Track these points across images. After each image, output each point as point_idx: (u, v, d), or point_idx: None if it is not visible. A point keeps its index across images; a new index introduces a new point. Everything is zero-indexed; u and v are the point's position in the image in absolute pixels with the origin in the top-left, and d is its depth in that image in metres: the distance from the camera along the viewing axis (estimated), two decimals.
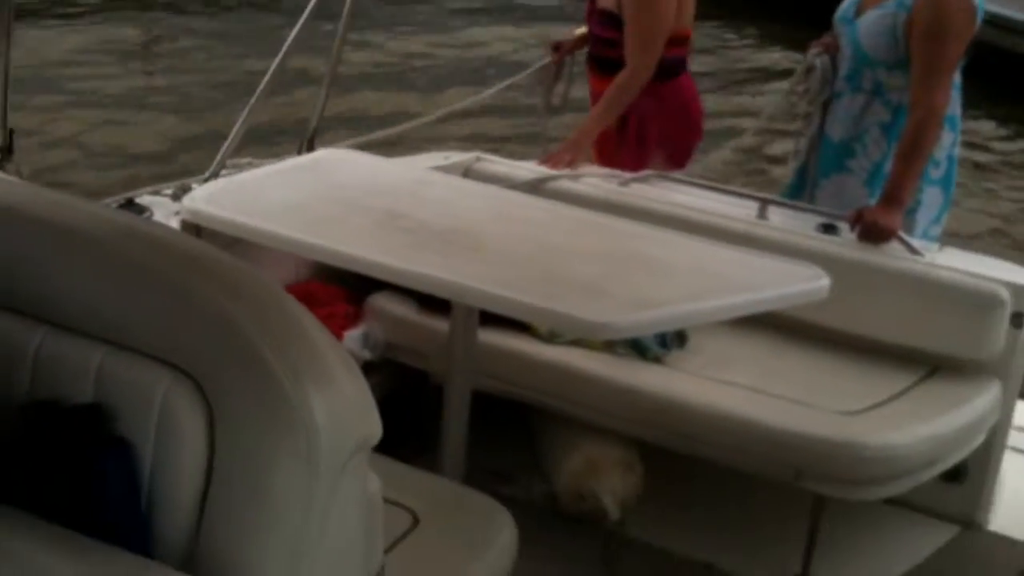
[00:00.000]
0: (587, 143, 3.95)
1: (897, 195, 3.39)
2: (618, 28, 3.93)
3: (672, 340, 3.22)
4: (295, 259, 3.30)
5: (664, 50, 3.90)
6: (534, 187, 3.49)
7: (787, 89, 3.91)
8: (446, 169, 3.48)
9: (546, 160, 3.76)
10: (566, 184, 3.57)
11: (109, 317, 1.58)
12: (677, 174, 3.75)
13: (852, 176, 3.69)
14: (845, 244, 3.30)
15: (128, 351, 1.56)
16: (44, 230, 1.65)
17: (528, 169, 3.68)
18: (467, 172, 3.62)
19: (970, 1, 3.40)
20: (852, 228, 3.37)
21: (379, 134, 3.87)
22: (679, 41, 4.00)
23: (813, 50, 3.75)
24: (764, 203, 3.50)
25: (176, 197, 3.10)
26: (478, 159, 3.71)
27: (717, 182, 3.83)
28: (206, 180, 3.16)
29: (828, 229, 3.37)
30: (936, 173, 3.64)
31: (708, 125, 4.36)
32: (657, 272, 2.67)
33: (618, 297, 2.48)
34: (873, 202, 3.53)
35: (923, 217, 3.65)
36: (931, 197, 3.66)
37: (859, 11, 3.62)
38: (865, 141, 3.65)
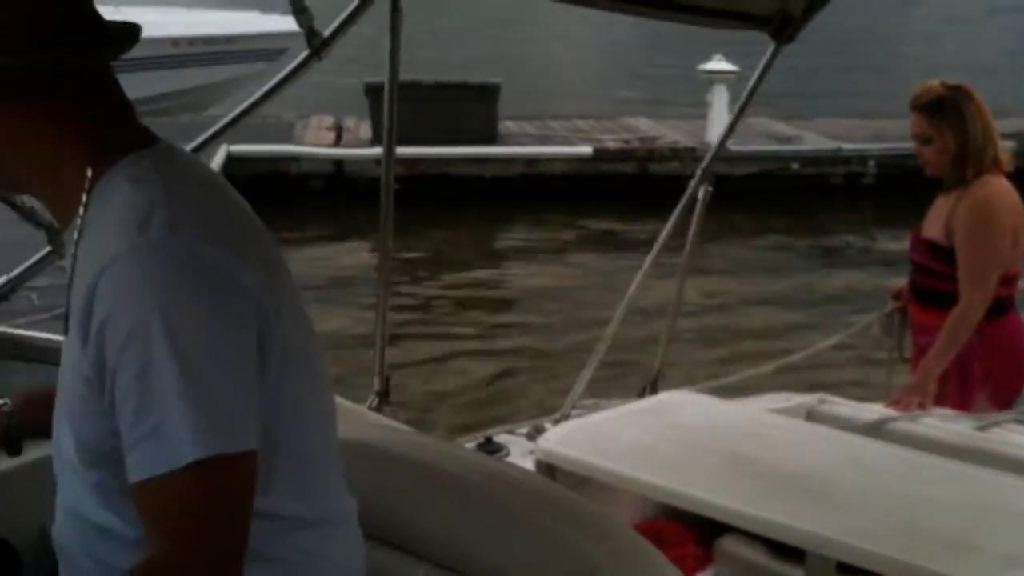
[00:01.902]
0: (931, 383, 3.86)
1: None
2: (943, 260, 3.90)
3: None
4: (643, 498, 3.34)
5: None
6: (880, 430, 3.44)
7: None
8: (788, 411, 3.48)
9: (894, 403, 3.70)
10: (915, 427, 3.47)
11: (484, 560, 1.66)
12: None
13: None
14: None
15: None
16: (417, 471, 1.79)
17: (875, 411, 3.61)
18: (810, 414, 3.59)
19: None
20: None
21: (720, 381, 3.96)
22: (1009, 280, 3.93)
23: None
24: None
25: (531, 437, 3.26)
26: (822, 401, 3.67)
27: None
28: (558, 421, 3.31)
29: None
30: None
31: None
32: None
33: (987, 553, 2.38)
34: None
35: None
36: None
37: None
38: None
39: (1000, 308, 3.92)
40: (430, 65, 15.61)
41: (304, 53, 2.58)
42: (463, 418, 6.76)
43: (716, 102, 12.85)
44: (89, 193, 1.43)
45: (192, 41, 17.04)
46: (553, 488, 1.85)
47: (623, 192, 12.37)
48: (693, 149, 12.69)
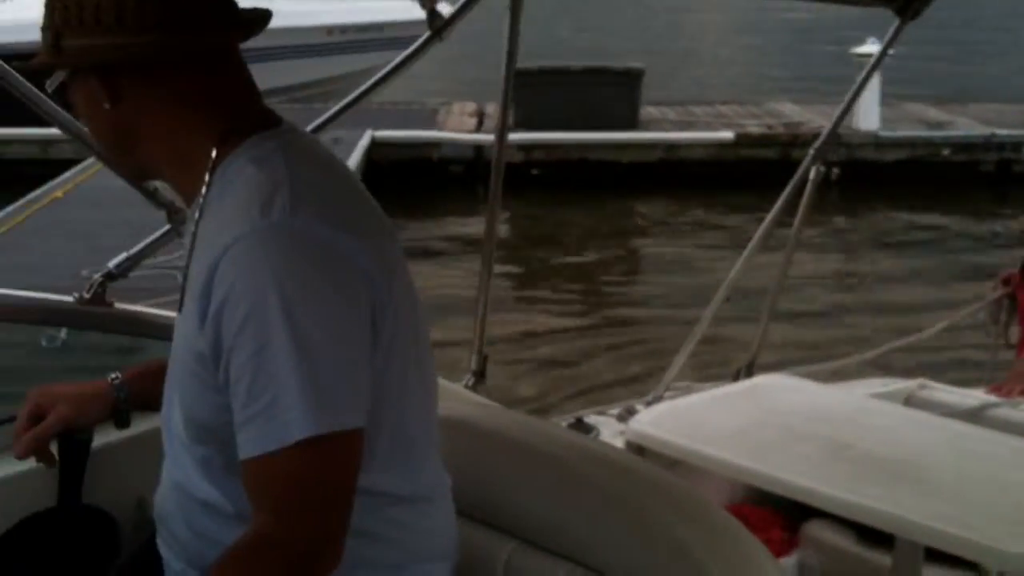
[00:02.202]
0: None
1: None
2: None
3: None
4: (732, 481, 3.36)
5: None
6: (980, 416, 3.38)
7: None
8: (887, 396, 3.44)
9: (997, 389, 3.65)
10: (1016, 414, 3.42)
11: (574, 536, 1.68)
12: None
13: None
14: None
15: (593, 572, 1.65)
16: (512, 450, 1.81)
17: (976, 397, 3.56)
18: (909, 399, 3.54)
19: None
20: None
21: (819, 366, 3.93)
22: None
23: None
24: None
25: (622, 418, 3.27)
26: (922, 386, 3.63)
27: None
28: (650, 403, 3.31)
29: None
30: None
31: None
32: None
33: None
34: None
35: None
36: None
37: None
38: None
39: None
40: (576, 51, 15.66)
41: (426, 34, 2.60)
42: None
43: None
44: (212, 173, 1.47)
45: (345, 29, 17.57)
46: (646, 467, 1.85)
47: (764, 177, 12.23)
48: (839, 134, 12.44)
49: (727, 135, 13.09)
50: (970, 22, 27.29)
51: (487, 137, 13.13)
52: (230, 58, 1.51)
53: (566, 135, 12.55)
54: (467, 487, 1.68)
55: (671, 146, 13.05)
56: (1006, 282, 4.21)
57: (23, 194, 10.34)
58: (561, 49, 19.43)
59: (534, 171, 12.78)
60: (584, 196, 12.09)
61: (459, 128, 13.73)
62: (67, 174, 10.83)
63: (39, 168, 11.52)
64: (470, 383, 2.97)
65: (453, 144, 13.16)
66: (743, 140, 12.98)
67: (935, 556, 2.76)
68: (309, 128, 2.32)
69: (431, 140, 13.23)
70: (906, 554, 2.72)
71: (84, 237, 8.31)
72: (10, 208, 9.87)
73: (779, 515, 3.37)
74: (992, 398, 3.56)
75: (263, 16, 1.54)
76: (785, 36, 28.58)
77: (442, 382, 2.05)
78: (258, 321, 1.34)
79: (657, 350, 7.29)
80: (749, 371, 3.61)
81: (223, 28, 1.49)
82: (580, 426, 3.26)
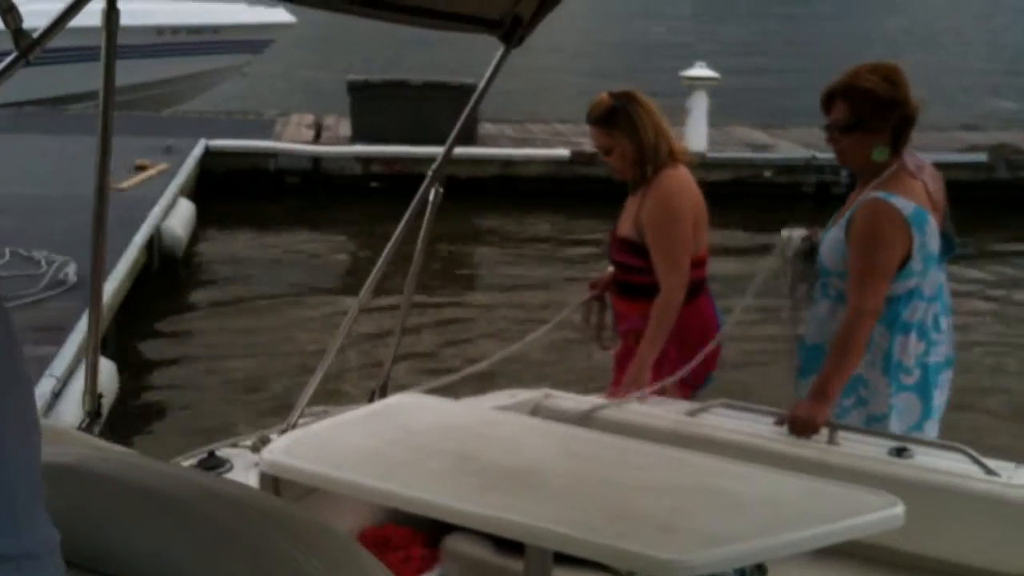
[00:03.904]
0: (647, 371, 4.04)
1: (823, 389, 3.55)
2: (636, 254, 4.13)
3: (752, 573, 3.11)
4: (370, 504, 3.39)
5: None
6: (599, 421, 3.50)
7: (768, 266, 4.05)
8: (514, 407, 3.55)
9: (613, 394, 3.85)
10: (628, 416, 3.60)
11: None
12: (742, 402, 3.76)
13: None
14: (919, 467, 3.21)
15: None
16: (125, 493, 1.72)
17: (595, 404, 3.71)
18: (535, 409, 3.67)
19: (901, 215, 3.56)
20: (778, 424, 3.49)
21: (443, 380, 4.02)
22: (696, 264, 4.17)
23: (796, 231, 3.99)
24: (833, 428, 3.38)
25: (255, 448, 3.19)
26: (546, 396, 3.76)
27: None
28: (283, 431, 3.24)
29: (900, 452, 3.24)
30: (908, 380, 3.71)
31: None
32: (729, 505, 2.65)
33: (691, 533, 2.46)
34: (847, 401, 3.66)
35: (897, 424, 3.67)
36: (905, 403, 3.69)
37: (832, 226, 3.82)
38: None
39: (688, 293, 4.15)
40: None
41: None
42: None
43: (695, 108, 13.16)
44: None
45: (177, 30, 16.95)
46: (269, 501, 1.80)
47: (598, 195, 12.51)
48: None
49: (563, 152, 13.41)
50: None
51: (324, 148, 13.39)
52: None
53: (404, 148, 12.59)
54: (78, 537, 1.60)
55: (507, 162, 13.27)
56: (593, 286, 4.49)
57: None
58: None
59: (373, 184, 12.96)
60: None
61: (296, 139, 13.64)
62: None
63: None
64: (84, 424, 2.84)
65: (289, 155, 13.12)
66: (578, 158, 13.22)
67: (567, 559, 2.85)
68: None
69: (267, 150, 13.12)
70: (535, 560, 2.80)
71: None
72: None
73: (420, 533, 3.43)
74: (602, 401, 3.69)
75: None
76: (619, 58, 29.52)
77: (48, 424, 1.96)
78: None
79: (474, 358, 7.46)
80: (383, 391, 3.61)
81: None
82: (211, 460, 3.18)
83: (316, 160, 13.19)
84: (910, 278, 3.62)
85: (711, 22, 41.49)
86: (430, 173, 3.55)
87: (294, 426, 3.27)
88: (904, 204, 3.58)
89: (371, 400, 3.56)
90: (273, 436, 3.24)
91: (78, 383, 6.11)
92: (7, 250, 8.42)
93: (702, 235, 4.19)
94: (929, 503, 3.01)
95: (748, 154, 13.90)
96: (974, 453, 3.26)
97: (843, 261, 3.65)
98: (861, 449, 3.35)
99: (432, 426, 3.13)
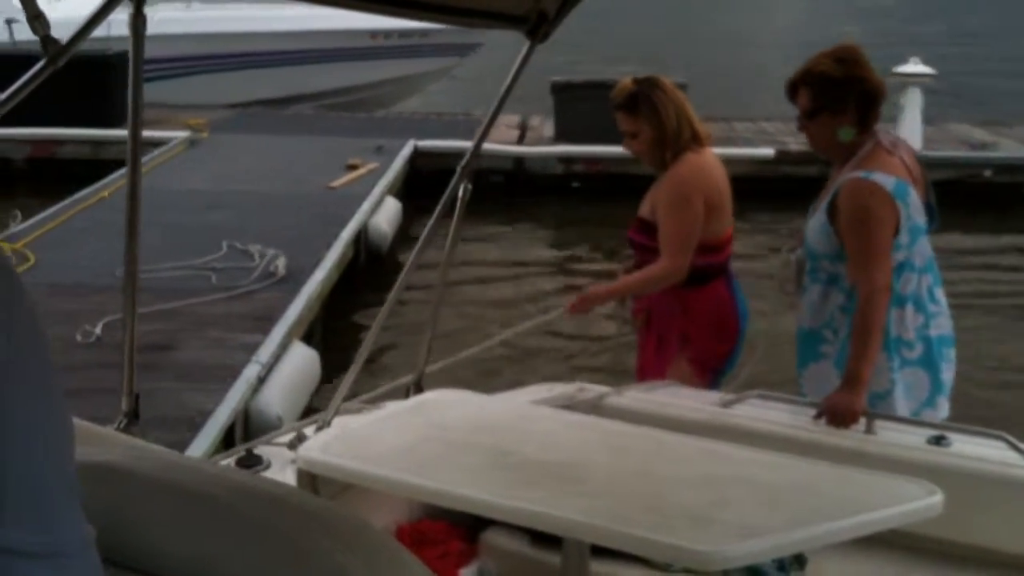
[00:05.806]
0: (597, 302, 4.34)
1: (856, 375, 3.52)
2: (649, 234, 4.21)
3: (791, 564, 3.11)
4: (407, 500, 3.40)
5: (694, 256, 4.14)
6: (633, 414, 3.50)
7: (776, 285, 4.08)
8: (550, 401, 3.55)
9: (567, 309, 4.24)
10: (667, 409, 3.59)
11: (228, 572, 1.64)
12: (776, 392, 3.74)
13: (827, 360, 3.80)
14: (957, 455, 3.18)
15: None
16: (161, 492, 1.74)
17: (631, 397, 3.71)
18: (570, 403, 3.66)
19: (883, 189, 3.58)
20: (817, 417, 3.48)
21: (461, 356, 4.20)
22: (709, 249, 4.19)
23: (787, 246, 4.02)
24: (871, 417, 3.37)
25: (292, 446, 3.22)
26: (580, 389, 3.77)
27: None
28: (320, 428, 3.27)
29: (939, 441, 3.22)
30: (911, 354, 3.70)
31: None
32: (766, 496, 2.64)
33: (728, 524, 2.46)
34: None
35: (905, 400, 3.68)
36: (912, 379, 3.70)
37: (814, 211, 3.83)
38: (832, 326, 3.77)
39: (701, 278, 4.20)
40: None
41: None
42: None
43: (909, 105, 12.89)
44: None
45: (389, 34, 17.49)
46: (307, 498, 1.80)
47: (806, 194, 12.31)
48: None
49: (768, 152, 13.55)
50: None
51: (527, 148, 13.81)
52: None
53: (606, 148, 12.57)
54: (117, 535, 1.62)
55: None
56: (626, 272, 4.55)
57: (73, 192, 10.86)
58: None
59: (574, 183, 13.37)
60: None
61: (502, 139, 13.82)
62: (114, 175, 11.25)
63: (90, 169, 12.10)
64: (122, 425, 2.85)
65: (493, 155, 13.27)
66: (784, 157, 13.31)
67: (604, 551, 2.86)
68: None
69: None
70: (572, 553, 2.81)
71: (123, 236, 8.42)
72: (60, 205, 10.39)
73: (457, 528, 3.44)
74: (644, 396, 3.74)
75: None
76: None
77: (87, 425, 1.95)
78: None
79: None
80: (418, 387, 3.63)
81: None
82: (249, 459, 3.21)
83: (519, 160, 13.50)
84: (899, 251, 3.65)
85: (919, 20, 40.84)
86: (459, 169, 3.54)
87: (330, 423, 3.30)
88: (885, 179, 3.60)
89: (406, 396, 3.58)
90: (309, 433, 3.26)
91: (283, 370, 6.65)
92: (225, 243, 8.99)
93: (722, 220, 4.23)
94: (968, 491, 2.99)
95: (965, 153, 13.47)
96: (1013, 440, 3.24)
97: (830, 242, 3.69)
98: (899, 438, 3.34)
99: (467, 421, 3.13)
